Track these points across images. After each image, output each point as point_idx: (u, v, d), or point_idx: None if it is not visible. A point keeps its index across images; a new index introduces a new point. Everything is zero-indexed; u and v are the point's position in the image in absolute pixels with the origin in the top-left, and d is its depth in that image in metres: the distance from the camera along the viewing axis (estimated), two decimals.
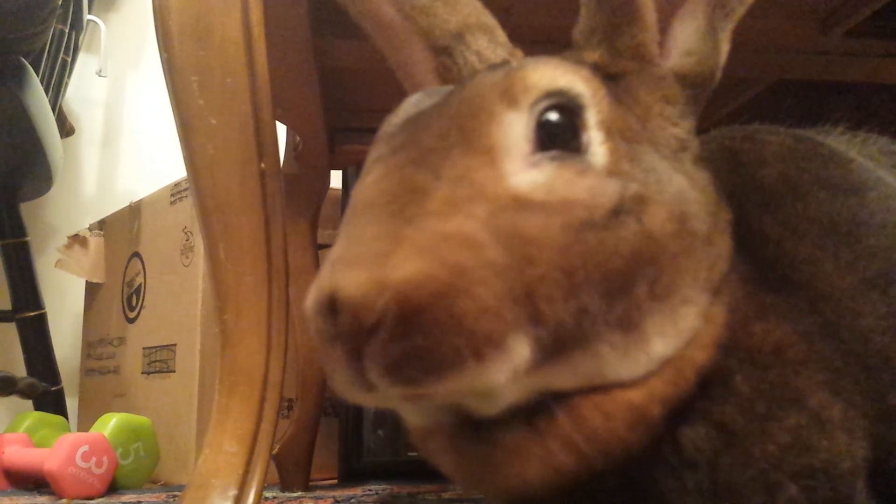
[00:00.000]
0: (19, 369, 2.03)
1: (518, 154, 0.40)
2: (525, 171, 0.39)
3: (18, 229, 2.10)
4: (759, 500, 0.42)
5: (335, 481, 1.54)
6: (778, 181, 0.49)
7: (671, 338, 0.41)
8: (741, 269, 0.45)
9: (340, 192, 1.60)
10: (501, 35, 0.50)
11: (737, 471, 0.42)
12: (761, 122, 0.57)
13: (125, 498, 1.37)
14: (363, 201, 0.39)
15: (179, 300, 1.69)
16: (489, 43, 0.50)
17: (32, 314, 2.07)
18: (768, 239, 0.47)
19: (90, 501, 1.32)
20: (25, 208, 2.16)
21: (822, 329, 0.44)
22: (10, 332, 2.10)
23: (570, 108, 0.41)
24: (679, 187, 0.42)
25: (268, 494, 1.29)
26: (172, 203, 1.78)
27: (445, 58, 0.50)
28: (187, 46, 0.73)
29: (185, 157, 0.76)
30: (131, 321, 1.89)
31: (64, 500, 1.28)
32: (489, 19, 0.51)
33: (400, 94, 0.56)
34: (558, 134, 0.41)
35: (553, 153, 0.40)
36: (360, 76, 1.11)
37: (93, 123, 2.63)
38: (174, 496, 1.30)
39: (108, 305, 2.02)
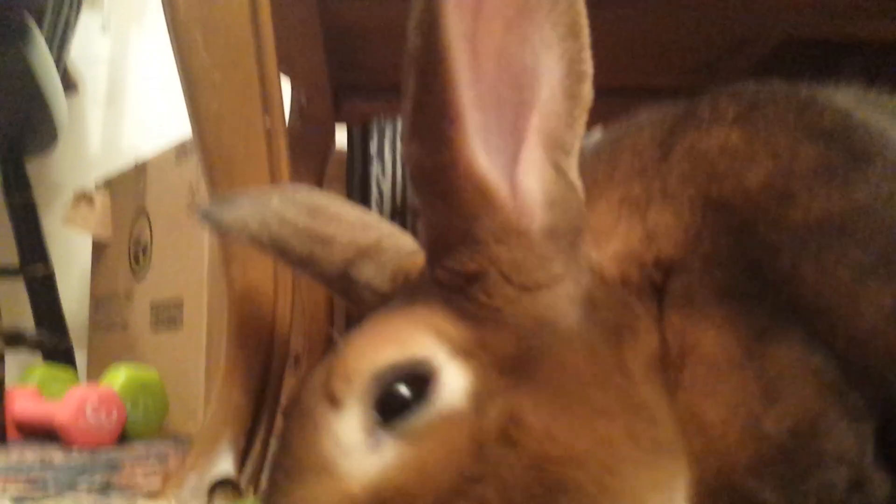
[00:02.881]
0: (28, 325, 2.05)
1: (356, 451, 0.36)
2: (365, 463, 0.35)
3: (24, 186, 2.11)
4: None
5: None
6: (763, 187, 0.43)
7: None
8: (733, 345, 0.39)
9: (346, 152, 1.60)
10: (389, 250, 0.46)
11: None
12: (770, 81, 0.55)
13: (135, 449, 1.40)
14: None
15: (186, 257, 1.70)
16: (376, 271, 0.46)
17: (40, 270, 2.09)
18: (751, 268, 0.41)
19: (101, 452, 1.35)
20: (31, 166, 2.16)
21: (824, 358, 0.39)
22: (18, 287, 2.12)
23: (411, 372, 0.37)
24: (573, 362, 0.37)
25: None
26: (178, 161, 1.78)
27: (344, 293, 0.47)
28: (191, 1, 0.73)
29: (189, 114, 0.76)
30: (139, 278, 1.91)
31: None
32: (370, 238, 0.46)
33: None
34: (400, 400, 0.36)
35: (394, 423, 0.36)
36: (366, 33, 1.10)
37: (97, 80, 2.62)
38: (183, 447, 1.32)
39: (115, 262, 2.04)
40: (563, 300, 0.39)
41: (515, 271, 0.39)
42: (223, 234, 0.50)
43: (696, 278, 0.41)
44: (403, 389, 0.36)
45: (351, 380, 0.37)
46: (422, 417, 0.35)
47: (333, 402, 0.37)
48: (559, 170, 0.40)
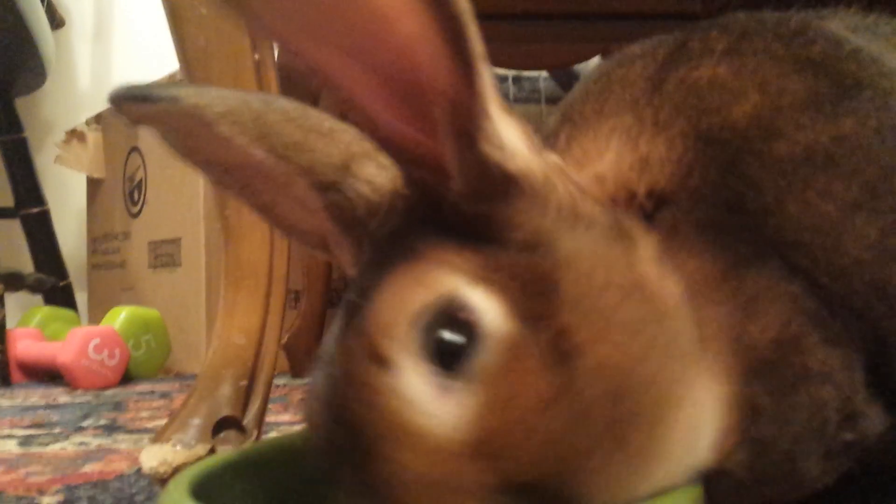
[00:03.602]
0: (26, 265, 2.05)
1: (428, 405, 0.35)
2: (445, 415, 0.35)
3: (15, 125, 2.08)
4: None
5: None
6: (750, 122, 0.43)
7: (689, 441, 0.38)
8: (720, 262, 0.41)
9: None
10: (384, 157, 0.43)
11: (768, 464, 0.41)
12: (761, 10, 0.53)
13: (139, 388, 1.41)
14: None
15: (181, 194, 1.69)
16: (377, 168, 0.43)
17: (35, 210, 2.08)
18: (738, 204, 0.42)
19: (105, 391, 1.36)
20: (21, 104, 2.13)
21: (805, 285, 0.41)
22: (14, 228, 2.11)
23: (446, 310, 0.36)
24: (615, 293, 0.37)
25: (279, 381, 1.33)
26: None
27: (334, 194, 0.44)
28: None
29: (176, 50, 0.74)
30: (135, 216, 1.90)
31: None
32: (368, 144, 0.44)
33: None
34: (451, 346, 0.35)
35: (456, 369, 0.35)
36: None
37: (83, 14, 2.56)
38: (187, 385, 1.33)
39: (110, 201, 2.02)
40: (551, 219, 0.38)
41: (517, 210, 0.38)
42: (184, 112, 0.44)
43: (682, 212, 0.42)
44: (448, 335, 0.35)
45: (391, 334, 0.35)
46: (483, 355, 0.35)
47: (381, 361, 0.35)
48: (491, 131, 0.36)
